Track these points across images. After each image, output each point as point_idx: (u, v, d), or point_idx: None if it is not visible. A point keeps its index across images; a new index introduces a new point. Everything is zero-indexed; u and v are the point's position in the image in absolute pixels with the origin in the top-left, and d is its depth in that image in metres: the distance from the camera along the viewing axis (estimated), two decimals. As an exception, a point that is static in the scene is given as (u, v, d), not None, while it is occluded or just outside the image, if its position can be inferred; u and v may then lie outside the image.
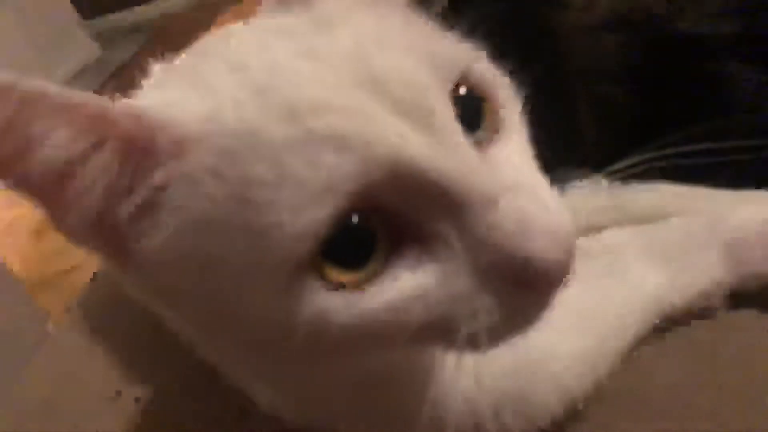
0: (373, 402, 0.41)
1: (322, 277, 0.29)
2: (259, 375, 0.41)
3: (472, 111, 0.33)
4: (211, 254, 0.29)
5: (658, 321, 0.51)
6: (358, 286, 0.29)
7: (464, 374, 0.42)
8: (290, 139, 0.28)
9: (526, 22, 0.64)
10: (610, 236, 0.54)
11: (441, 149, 0.29)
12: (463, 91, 0.33)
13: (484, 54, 0.36)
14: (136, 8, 3.82)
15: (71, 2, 3.55)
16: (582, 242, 0.53)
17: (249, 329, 0.31)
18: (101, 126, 0.29)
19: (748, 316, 0.50)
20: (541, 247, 0.28)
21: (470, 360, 0.37)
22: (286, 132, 0.28)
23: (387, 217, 0.29)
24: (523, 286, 0.29)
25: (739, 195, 0.54)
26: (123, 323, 0.70)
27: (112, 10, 3.96)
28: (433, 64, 0.31)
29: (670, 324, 0.51)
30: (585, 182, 0.57)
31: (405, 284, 0.29)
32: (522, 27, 0.63)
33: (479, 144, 0.32)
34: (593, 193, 0.57)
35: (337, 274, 0.29)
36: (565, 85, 0.56)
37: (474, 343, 0.30)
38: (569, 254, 0.30)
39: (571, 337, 0.47)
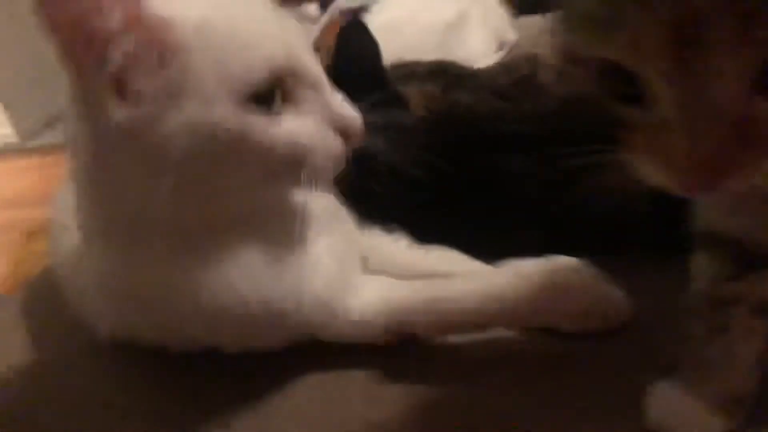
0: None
1: (254, 109, 0.51)
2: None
3: None
4: (196, 87, 0.49)
5: None
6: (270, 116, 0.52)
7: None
8: (253, 37, 0.51)
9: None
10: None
11: (315, 62, 0.56)
12: None
13: None
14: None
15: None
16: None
17: (207, 141, 0.50)
18: (134, 17, 0.47)
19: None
20: (355, 116, 0.56)
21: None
22: (251, 35, 0.51)
23: (283, 87, 0.53)
24: (343, 135, 0.56)
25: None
26: (44, 310, 0.87)
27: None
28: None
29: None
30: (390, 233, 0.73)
31: (292, 122, 0.53)
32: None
33: None
34: (393, 242, 0.73)
35: (259, 109, 0.51)
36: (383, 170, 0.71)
37: (317, 174, 0.55)
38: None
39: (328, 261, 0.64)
